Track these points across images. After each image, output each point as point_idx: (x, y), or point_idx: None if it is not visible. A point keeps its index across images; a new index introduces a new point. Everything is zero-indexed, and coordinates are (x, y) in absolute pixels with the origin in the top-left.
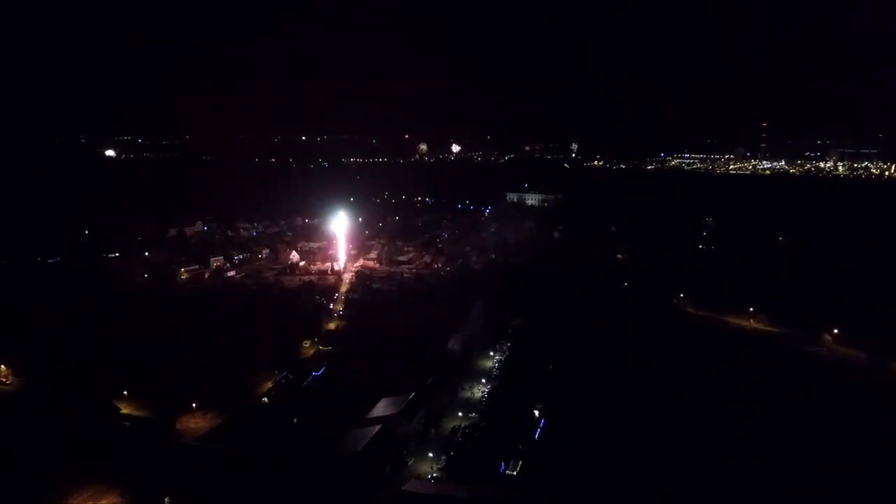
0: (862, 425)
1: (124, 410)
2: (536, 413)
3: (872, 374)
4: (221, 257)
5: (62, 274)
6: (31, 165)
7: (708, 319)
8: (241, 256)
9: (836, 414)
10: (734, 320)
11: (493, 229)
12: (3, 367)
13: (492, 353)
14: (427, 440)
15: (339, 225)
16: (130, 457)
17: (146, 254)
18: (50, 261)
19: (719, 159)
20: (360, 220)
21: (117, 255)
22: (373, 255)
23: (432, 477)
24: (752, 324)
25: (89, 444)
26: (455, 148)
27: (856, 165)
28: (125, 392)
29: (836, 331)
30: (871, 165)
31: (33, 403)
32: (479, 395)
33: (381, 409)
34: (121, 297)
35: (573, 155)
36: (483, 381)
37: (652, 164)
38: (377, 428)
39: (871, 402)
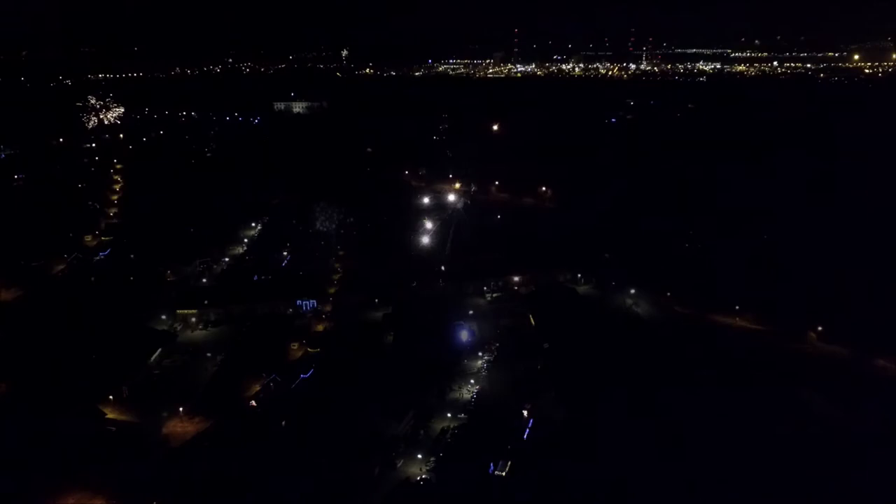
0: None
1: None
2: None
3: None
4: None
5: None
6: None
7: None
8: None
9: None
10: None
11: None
12: None
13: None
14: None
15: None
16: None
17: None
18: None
19: (481, 64)
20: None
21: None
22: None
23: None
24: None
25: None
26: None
27: (588, 67)
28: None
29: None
30: (600, 66)
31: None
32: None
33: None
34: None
35: (344, 63)
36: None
37: (420, 71)
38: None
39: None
